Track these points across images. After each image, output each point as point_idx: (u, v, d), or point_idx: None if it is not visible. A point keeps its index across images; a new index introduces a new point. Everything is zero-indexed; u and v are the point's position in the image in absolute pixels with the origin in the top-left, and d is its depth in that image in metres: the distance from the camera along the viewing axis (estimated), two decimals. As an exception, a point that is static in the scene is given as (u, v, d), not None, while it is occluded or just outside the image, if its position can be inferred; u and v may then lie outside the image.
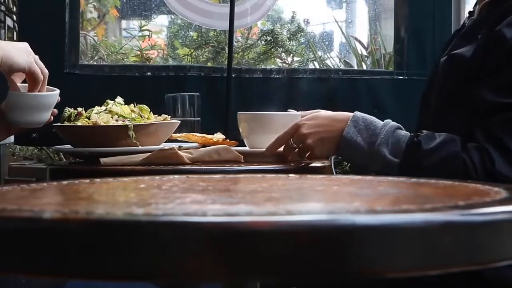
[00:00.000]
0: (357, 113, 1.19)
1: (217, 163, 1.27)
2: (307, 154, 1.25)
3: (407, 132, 1.16)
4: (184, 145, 1.37)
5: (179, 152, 1.24)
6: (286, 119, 1.35)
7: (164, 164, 1.22)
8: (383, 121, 1.19)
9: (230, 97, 1.92)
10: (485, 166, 1.06)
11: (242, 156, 1.30)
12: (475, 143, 1.08)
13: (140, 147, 1.29)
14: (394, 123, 1.18)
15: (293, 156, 1.28)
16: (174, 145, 1.32)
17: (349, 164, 1.49)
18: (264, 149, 1.30)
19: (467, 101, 1.14)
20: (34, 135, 1.90)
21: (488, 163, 1.05)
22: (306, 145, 1.23)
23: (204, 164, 1.24)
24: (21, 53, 1.18)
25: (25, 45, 1.21)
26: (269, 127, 1.36)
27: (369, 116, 1.20)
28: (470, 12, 1.32)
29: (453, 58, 1.20)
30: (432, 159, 1.09)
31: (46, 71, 1.22)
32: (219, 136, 1.44)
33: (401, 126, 1.18)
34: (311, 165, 1.29)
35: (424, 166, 1.09)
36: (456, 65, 1.19)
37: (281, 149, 1.27)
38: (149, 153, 1.25)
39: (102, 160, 1.24)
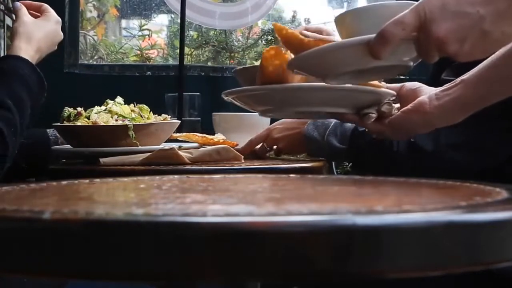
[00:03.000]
0: None
1: (217, 163, 1.26)
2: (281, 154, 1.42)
3: None
4: (184, 145, 1.37)
5: (179, 152, 1.24)
6: (255, 119, 1.51)
7: (164, 164, 1.22)
8: None
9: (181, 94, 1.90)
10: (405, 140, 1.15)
11: (243, 156, 1.31)
12: None
13: (140, 147, 1.29)
14: None
15: (266, 155, 1.43)
16: (174, 145, 1.32)
17: (350, 164, 1.54)
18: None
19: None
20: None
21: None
22: (278, 148, 1.40)
23: (204, 164, 1.24)
24: (53, 46, 1.25)
25: (59, 37, 1.29)
26: (240, 126, 1.49)
27: None
28: None
29: None
30: (365, 140, 1.20)
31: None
32: (219, 136, 1.45)
33: None
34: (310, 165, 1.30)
35: (361, 148, 1.22)
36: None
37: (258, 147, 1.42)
38: (149, 153, 1.24)
39: (102, 160, 1.24)
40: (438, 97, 0.99)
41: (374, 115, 1.02)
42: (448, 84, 1.00)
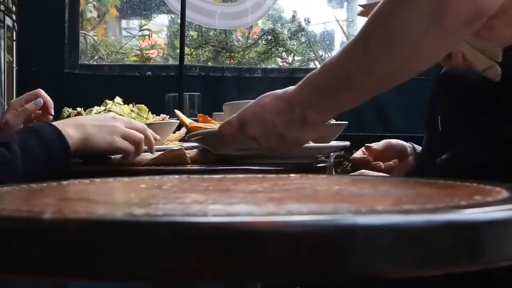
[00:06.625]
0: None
1: (217, 163, 1.26)
2: None
3: None
4: (185, 145, 1.37)
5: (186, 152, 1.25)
6: None
7: (164, 164, 1.22)
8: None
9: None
10: None
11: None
12: None
13: (140, 147, 1.28)
14: None
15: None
16: (174, 146, 1.32)
17: (350, 164, 1.53)
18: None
19: None
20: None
21: None
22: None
23: (204, 164, 1.24)
24: (103, 133, 1.17)
25: (109, 120, 1.19)
26: None
27: None
28: None
29: None
30: None
31: (139, 136, 1.20)
32: None
33: None
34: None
35: None
36: None
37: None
38: (160, 152, 1.25)
39: (113, 157, 1.24)
40: None
41: None
42: None
